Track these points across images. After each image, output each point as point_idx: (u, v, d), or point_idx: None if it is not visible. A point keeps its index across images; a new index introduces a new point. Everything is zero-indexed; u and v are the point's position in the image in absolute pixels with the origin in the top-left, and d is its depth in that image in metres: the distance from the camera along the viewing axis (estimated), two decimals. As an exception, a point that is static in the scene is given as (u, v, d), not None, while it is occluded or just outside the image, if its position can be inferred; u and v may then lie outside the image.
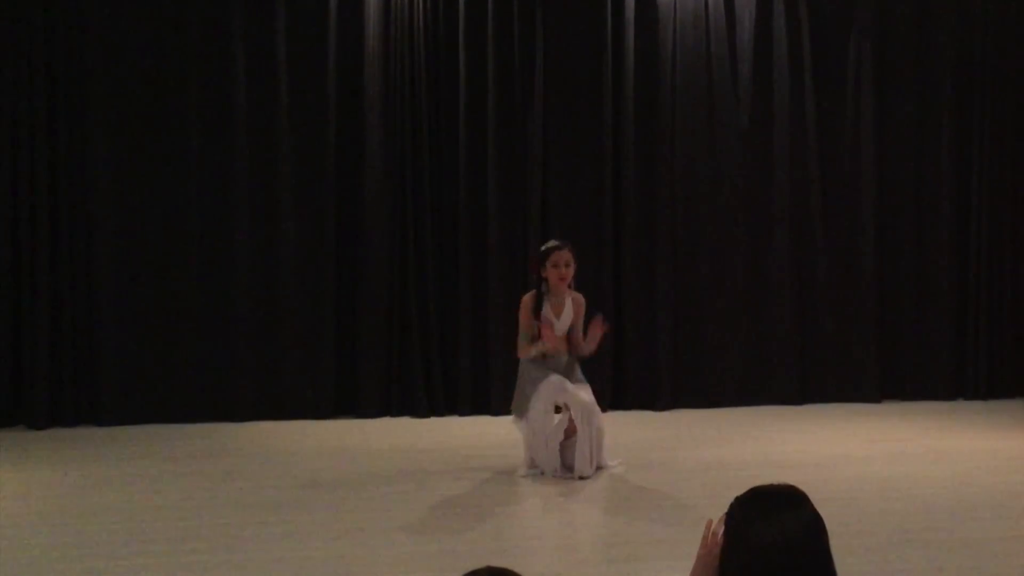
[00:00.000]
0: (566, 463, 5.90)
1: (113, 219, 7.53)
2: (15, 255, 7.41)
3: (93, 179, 7.47)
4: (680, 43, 8.09)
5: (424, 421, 7.69)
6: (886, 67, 8.36)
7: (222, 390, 7.64)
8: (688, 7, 8.10)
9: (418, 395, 7.78)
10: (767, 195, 8.25)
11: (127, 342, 7.55)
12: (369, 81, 7.74)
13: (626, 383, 8.09)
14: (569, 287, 6.01)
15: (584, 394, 5.89)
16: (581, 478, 5.83)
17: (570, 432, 5.90)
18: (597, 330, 5.94)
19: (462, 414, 7.80)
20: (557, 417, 5.93)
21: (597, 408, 5.99)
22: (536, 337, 5.88)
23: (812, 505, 2.08)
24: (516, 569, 1.89)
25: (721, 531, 2.17)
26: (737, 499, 2.11)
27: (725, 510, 2.17)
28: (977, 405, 8.23)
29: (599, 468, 5.98)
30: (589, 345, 6.00)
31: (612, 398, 7.99)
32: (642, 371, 8.10)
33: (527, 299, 6.00)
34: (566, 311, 5.98)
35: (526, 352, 5.95)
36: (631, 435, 7.20)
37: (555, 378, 5.85)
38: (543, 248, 6.06)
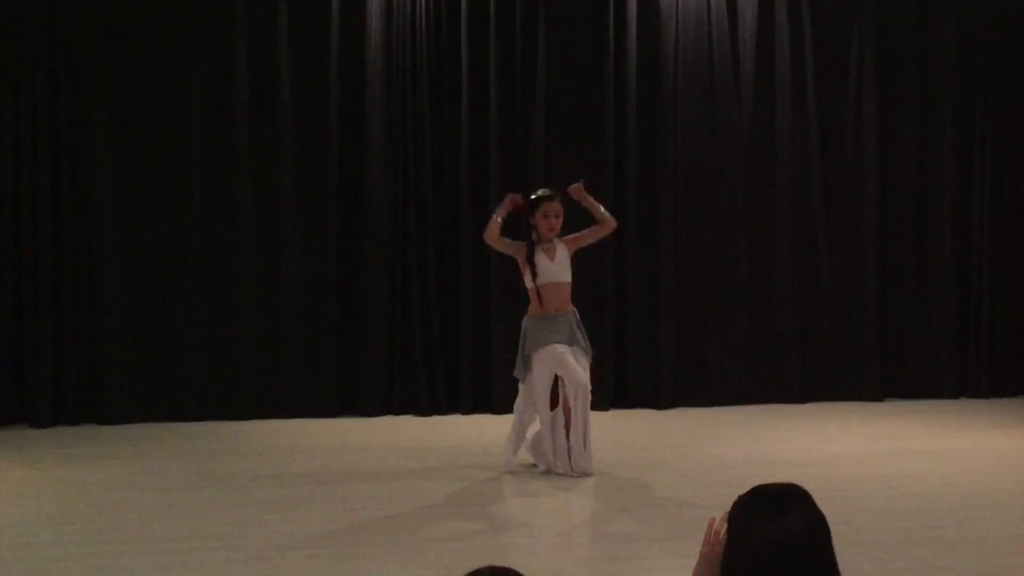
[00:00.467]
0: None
1: (115, 218, 7.53)
2: (17, 254, 7.41)
3: (95, 177, 7.47)
4: (682, 40, 8.08)
5: (426, 419, 7.69)
6: (888, 64, 8.35)
7: (224, 388, 7.64)
8: (690, 4, 8.09)
9: (420, 393, 7.78)
10: (769, 192, 8.24)
11: (129, 341, 7.55)
12: (371, 79, 7.73)
13: (628, 382, 8.08)
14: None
15: (582, 373, 5.85)
16: (584, 474, 5.82)
17: (565, 411, 5.89)
18: (583, 196, 6.01)
19: (464, 412, 7.80)
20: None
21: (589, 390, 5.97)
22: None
23: (815, 503, 2.08)
24: (518, 568, 1.88)
25: (724, 529, 2.17)
26: (740, 498, 2.10)
27: (727, 508, 2.16)
28: (980, 403, 8.21)
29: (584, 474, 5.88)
30: (597, 211, 6.03)
31: (614, 397, 7.99)
32: (644, 370, 8.09)
33: (522, 247, 5.96)
34: (559, 255, 5.95)
35: (494, 229, 5.90)
36: (633, 434, 7.20)
37: (559, 348, 5.82)
38: (533, 197, 6.01)
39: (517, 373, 6.00)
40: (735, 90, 8.19)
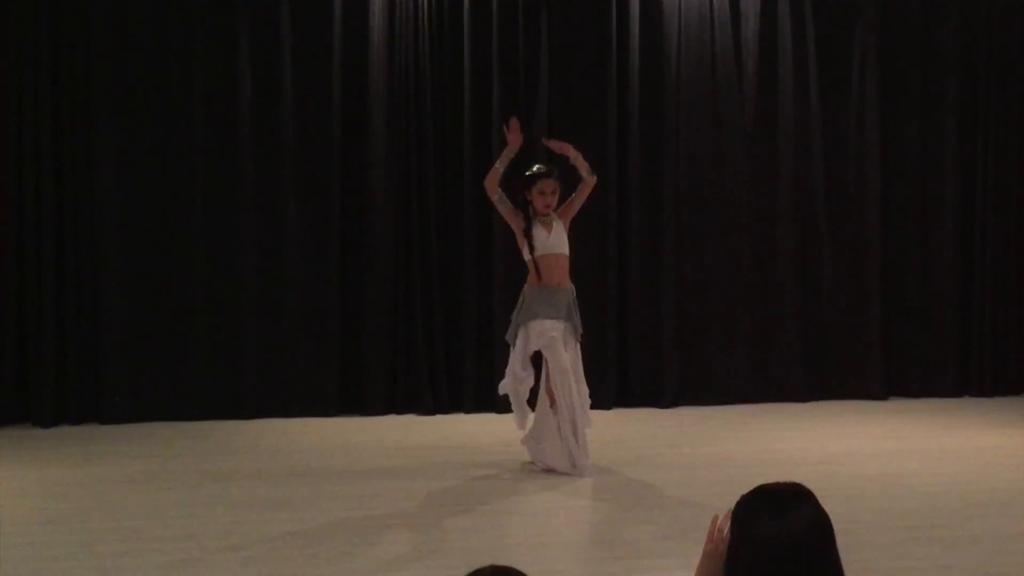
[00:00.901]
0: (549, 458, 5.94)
1: (117, 217, 7.53)
2: (20, 253, 7.42)
3: (97, 177, 7.48)
4: (685, 39, 8.08)
5: (429, 418, 7.69)
6: (891, 62, 8.34)
7: (227, 387, 7.64)
8: (693, 4, 8.08)
9: (423, 392, 7.78)
10: (772, 191, 8.24)
11: (132, 340, 7.56)
12: (374, 77, 7.73)
13: (631, 380, 8.08)
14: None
15: (565, 359, 5.86)
16: (580, 469, 5.85)
17: (548, 394, 5.93)
18: (561, 148, 6.01)
19: (467, 411, 7.80)
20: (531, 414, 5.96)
21: (582, 376, 5.99)
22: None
23: (818, 502, 2.08)
24: (520, 567, 1.88)
25: (727, 527, 2.17)
26: (743, 497, 2.11)
27: (730, 507, 2.16)
28: (983, 402, 8.20)
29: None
30: (585, 167, 6.02)
31: (617, 395, 7.99)
32: (647, 368, 8.09)
33: (519, 217, 5.95)
34: (555, 228, 5.95)
35: (493, 178, 5.91)
36: (636, 432, 7.20)
37: (553, 330, 5.83)
38: (528, 173, 5.99)
39: (508, 337, 6.03)
40: (738, 89, 8.18)
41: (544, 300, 5.89)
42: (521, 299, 6.00)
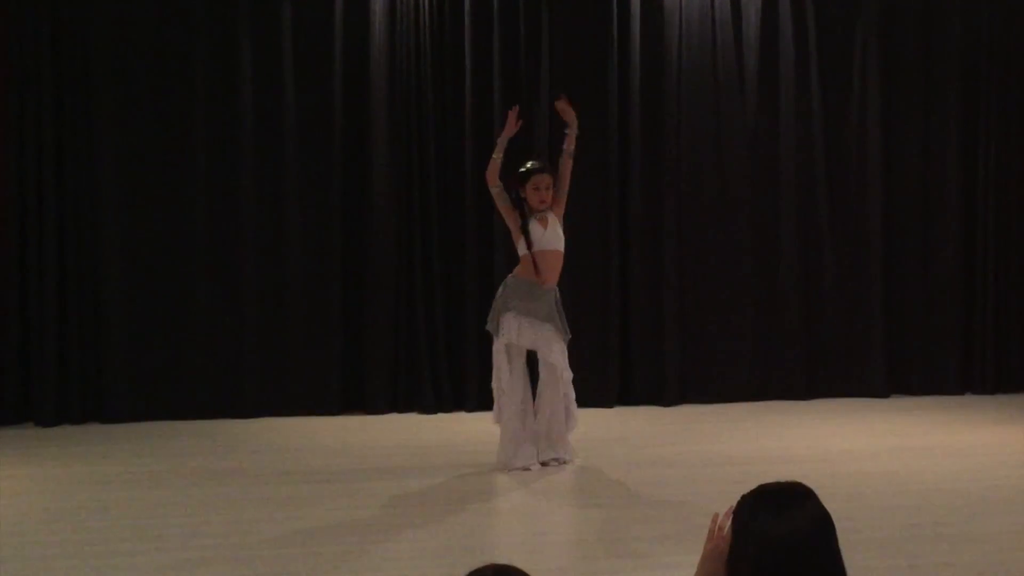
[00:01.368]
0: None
1: (119, 216, 7.53)
2: (22, 253, 7.42)
3: (99, 175, 7.48)
4: (686, 36, 8.08)
5: (431, 417, 7.69)
6: (892, 59, 8.33)
7: (229, 386, 7.65)
8: (694, 2, 8.08)
9: (425, 391, 7.78)
10: (773, 189, 8.23)
11: (134, 339, 7.56)
12: (375, 76, 7.73)
13: (633, 378, 8.08)
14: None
15: (553, 355, 5.90)
16: (558, 461, 5.94)
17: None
18: (568, 114, 6.01)
19: (469, 410, 7.79)
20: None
21: (568, 373, 6.01)
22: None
23: (819, 500, 2.08)
24: (521, 566, 1.88)
25: (728, 526, 2.17)
26: (744, 496, 2.11)
27: (732, 505, 2.16)
28: (985, 399, 8.20)
29: (555, 461, 6.02)
30: (570, 134, 6.02)
31: (619, 393, 7.99)
32: (649, 366, 8.08)
33: (515, 215, 5.95)
34: (551, 223, 5.95)
35: (494, 170, 5.90)
36: (638, 430, 7.20)
37: (526, 322, 5.86)
38: (523, 170, 5.98)
39: (490, 327, 6.04)
40: (739, 88, 8.17)
41: (527, 295, 5.90)
42: (504, 288, 6.00)
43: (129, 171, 7.56)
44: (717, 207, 8.17)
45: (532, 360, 6.20)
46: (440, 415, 7.74)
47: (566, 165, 6.05)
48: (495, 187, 5.96)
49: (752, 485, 2.16)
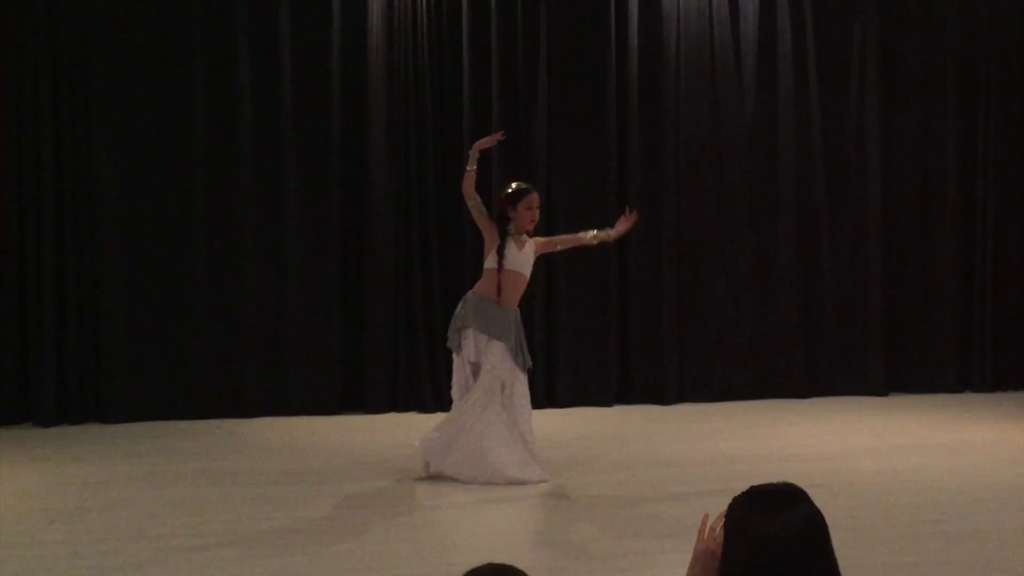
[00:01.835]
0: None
1: (119, 216, 7.54)
2: (21, 254, 7.43)
3: (99, 177, 7.48)
4: (684, 35, 8.08)
5: (431, 416, 7.67)
6: (890, 57, 8.34)
7: (228, 386, 7.65)
8: (692, 2, 8.08)
9: (424, 390, 7.78)
10: (772, 187, 8.24)
11: (133, 339, 7.56)
12: (373, 76, 7.74)
13: (633, 377, 8.08)
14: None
15: (494, 371, 5.72)
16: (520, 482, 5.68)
17: None
18: (627, 223, 6.05)
19: (468, 409, 7.80)
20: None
21: (524, 400, 5.82)
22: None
23: (811, 500, 2.08)
24: (520, 565, 1.88)
25: (719, 526, 2.17)
26: (736, 498, 2.11)
27: (721, 508, 2.16)
28: (984, 398, 8.21)
29: (517, 483, 5.69)
30: (617, 230, 6.06)
31: (619, 392, 8.00)
32: (649, 366, 8.09)
33: (494, 230, 5.84)
34: (526, 248, 5.87)
35: (468, 182, 5.81)
36: (639, 429, 7.20)
37: (483, 339, 5.73)
38: (514, 189, 5.89)
39: (451, 344, 5.89)
40: (737, 85, 8.18)
41: (484, 313, 5.76)
42: (464, 304, 5.84)
43: (128, 172, 7.56)
44: (716, 205, 8.17)
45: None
46: (439, 415, 7.72)
47: (580, 241, 6.03)
48: (472, 199, 5.84)
49: (751, 483, 2.16)
